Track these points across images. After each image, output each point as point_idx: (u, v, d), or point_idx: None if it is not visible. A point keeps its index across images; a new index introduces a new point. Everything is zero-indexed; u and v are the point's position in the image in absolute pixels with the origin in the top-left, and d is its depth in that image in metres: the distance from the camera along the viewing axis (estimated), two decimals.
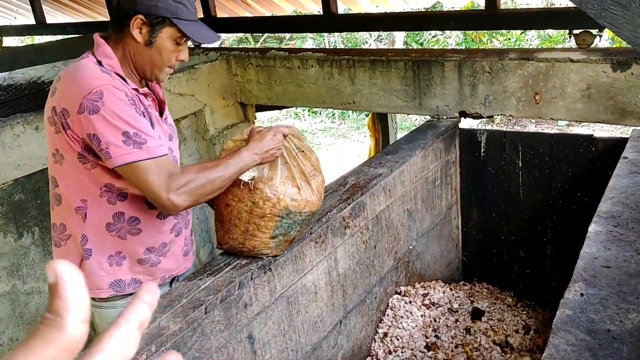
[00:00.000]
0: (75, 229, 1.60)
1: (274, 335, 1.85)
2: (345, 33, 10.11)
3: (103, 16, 6.17)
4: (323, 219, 2.01)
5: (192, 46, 2.31)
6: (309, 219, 1.78)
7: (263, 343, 1.80)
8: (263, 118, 9.46)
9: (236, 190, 1.67)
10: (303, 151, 1.76)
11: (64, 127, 1.47)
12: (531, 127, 8.33)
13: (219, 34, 1.68)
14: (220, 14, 4.51)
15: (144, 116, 1.54)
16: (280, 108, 4.08)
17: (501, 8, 2.98)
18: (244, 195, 1.66)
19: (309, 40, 11.05)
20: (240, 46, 9.00)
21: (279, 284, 1.85)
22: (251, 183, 1.64)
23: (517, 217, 2.97)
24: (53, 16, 6.86)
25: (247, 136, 1.69)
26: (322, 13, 3.57)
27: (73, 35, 5.56)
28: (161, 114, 1.72)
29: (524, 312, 2.76)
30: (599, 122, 2.64)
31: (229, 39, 10.45)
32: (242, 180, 1.63)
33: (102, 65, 1.52)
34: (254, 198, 1.65)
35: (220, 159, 1.63)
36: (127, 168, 1.44)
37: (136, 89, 1.57)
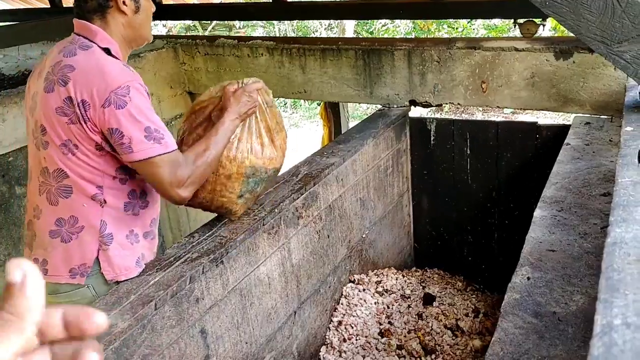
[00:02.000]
0: (92, 217, 1.59)
1: (227, 329, 1.83)
2: (295, 22, 10.04)
3: (42, 3, 5.89)
4: (276, 210, 1.99)
5: None
6: (274, 175, 1.82)
7: (216, 337, 1.78)
8: None
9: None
10: (271, 107, 1.75)
11: (84, 119, 1.48)
12: (478, 116, 8.53)
13: None
14: (167, 0, 4.39)
15: None
16: None
17: None
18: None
19: (259, 29, 10.93)
20: (188, 34, 8.80)
21: (232, 276, 1.82)
22: None
23: (465, 203, 3.03)
24: None
25: (218, 94, 1.73)
26: (272, 1, 3.52)
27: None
28: None
29: (474, 296, 2.84)
30: (543, 110, 2.72)
31: (176, 26, 10.21)
32: None
33: (111, 54, 1.55)
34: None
35: (207, 137, 1.65)
36: (145, 162, 1.49)
37: None
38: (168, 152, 1.51)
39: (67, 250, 1.60)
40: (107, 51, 1.56)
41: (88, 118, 1.48)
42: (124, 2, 1.57)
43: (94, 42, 1.55)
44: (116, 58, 1.57)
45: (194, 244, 1.81)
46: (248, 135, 1.71)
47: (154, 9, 1.69)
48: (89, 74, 1.48)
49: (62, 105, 1.49)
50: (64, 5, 4.82)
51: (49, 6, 4.80)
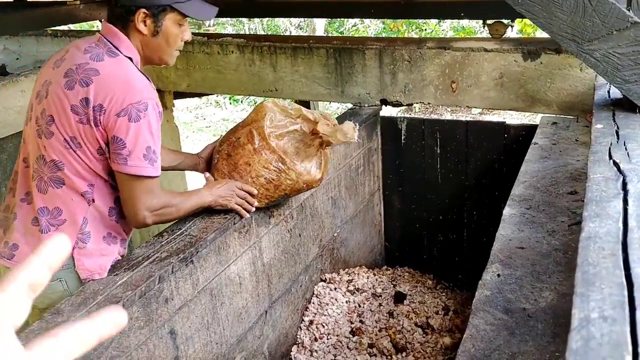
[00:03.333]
0: (76, 212, 1.59)
1: (197, 329, 1.80)
2: (266, 21, 9.99)
3: None
4: None
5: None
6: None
7: (186, 338, 1.74)
8: (182, 106, 9.17)
9: (267, 156, 1.85)
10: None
11: (96, 122, 1.50)
12: (447, 116, 8.63)
13: (216, 7, 1.72)
14: None
15: None
16: (199, 95, 3.96)
17: None
18: (272, 165, 1.86)
19: (228, 28, 10.82)
20: None
21: (202, 276, 1.79)
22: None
23: (435, 202, 3.06)
24: None
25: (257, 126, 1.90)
26: None
27: None
28: None
29: (444, 294, 2.86)
30: (511, 110, 2.77)
31: None
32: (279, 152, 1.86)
33: (132, 62, 1.57)
34: (285, 172, 1.87)
35: (186, 195, 1.83)
36: (132, 177, 1.55)
37: None
38: (154, 177, 1.58)
39: (42, 241, 1.55)
40: (130, 60, 1.58)
41: (100, 122, 1.51)
42: (144, 22, 1.57)
43: (119, 50, 1.57)
44: (137, 68, 1.60)
45: (163, 243, 1.77)
46: (316, 161, 1.94)
47: (186, 37, 1.66)
48: (112, 81, 1.51)
49: (77, 105, 1.51)
50: (27, 0, 4.69)
51: (12, 0, 4.65)
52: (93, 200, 1.60)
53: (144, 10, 1.55)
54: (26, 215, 1.61)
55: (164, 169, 1.81)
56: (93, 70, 1.52)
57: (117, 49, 1.58)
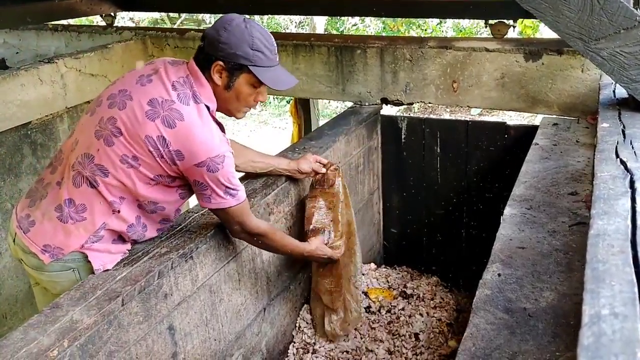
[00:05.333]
0: (99, 215, 1.62)
1: (196, 325, 1.79)
2: (266, 18, 9.98)
3: None
4: None
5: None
6: None
7: (184, 334, 1.74)
8: None
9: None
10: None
11: (173, 161, 1.59)
12: (446, 116, 8.63)
13: (295, 79, 1.76)
14: None
15: None
16: None
17: None
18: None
19: None
20: (157, 27, 8.63)
21: (201, 272, 1.79)
22: None
23: (435, 201, 3.05)
24: None
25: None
26: None
27: None
28: None
29: (442, 294, 2.86)
30: (512, 110, 2.76)
31: (143, 20, 10.02)
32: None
33: (209, 111, 1.63)
34: None
35: (293, 243, 2.04)
36: (218, 210, 1.70)
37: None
38: (239, 204, 1.69)
39: (56, 229, 1.61)
40: (207, 108, 1.63)
41: (177, 164, 1.59)
42: (219, 74, 1.62)
43: (200, 97, 1.62)
44: (213, 118, 1.65)
45: (162, 239, 1.77)
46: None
47: (261, 99, 1.71)
48: (192, 134, 1.57)
49: (154, 138, 1.56)
50: None
51: None
52: (118, 212, 1.63)
53: (221, 62, 1.60)
54: (53, 199, 1.64)
55: (254, 170, 2.14)
56: (178, 113, 1.56)
57: (199, 94, 1.62)
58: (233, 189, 1.66)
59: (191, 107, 1.59)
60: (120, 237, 1.68)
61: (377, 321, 2.58)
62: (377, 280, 2.89)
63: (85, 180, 1.60)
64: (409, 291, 2.81)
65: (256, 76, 1.62)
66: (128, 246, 1.71)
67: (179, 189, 1.70)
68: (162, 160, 1.58)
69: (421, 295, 2.78)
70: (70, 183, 1.61)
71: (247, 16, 1.67)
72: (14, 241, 1.68)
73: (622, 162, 0.80)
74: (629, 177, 0.74)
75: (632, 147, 0.88)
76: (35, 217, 1.64)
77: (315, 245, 2.14)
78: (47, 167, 1.76)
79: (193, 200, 1.81)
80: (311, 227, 2.22)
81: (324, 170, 2.25)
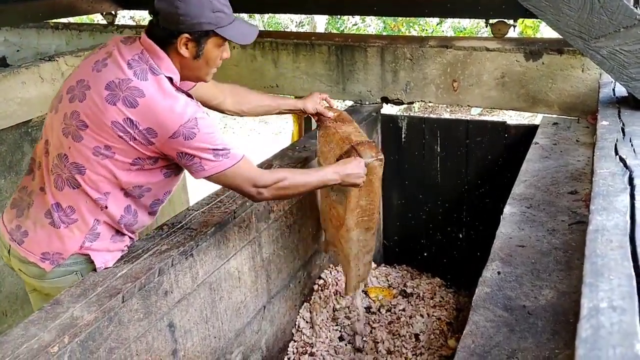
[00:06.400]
0: (89, 214, 1.60)
1: (196, 323, 1.80)
2: (266, 18, 9.98)
3: None
4: (247, 203, 1.97)
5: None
6: None
7: (184, 331, 1.74)
8: None
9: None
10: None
11: (147, 141, 1.53)
12: (446, 116, 8.63)
13: (256, 27, 1.73)
14: None
15: None
16: None
17: None
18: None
19: None
20: None
21: (202, 269, 1.79)
22: None
23: (435, 201, 3.06)
24: None
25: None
26: None
27: None
28: None
29: (442, 293, 2.86)
30: (512, 110, 2.77)
31: (144, 18, 10.01)
32: None
33: (172, 83, 1.58)
34: None
35: (308, 172, 1.90)
36: (218, 175, 1.61)
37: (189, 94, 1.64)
38: (236, 162, 1.61)
39: (51, 235, 1.59)
40: (170, 80, 1.58)
41: (152, 143, 1.54)
42: (185, 46, 1.57)
43: (160, 69, 1.56)
44: (177, 88, 1.59)
45: (163, 236, 1.77)
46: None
47: (225, 56, 1.67)
48: (157, 105, 1.51)
49: (120, 122, 1.51)
50: None
51: None
52: (106, 207, 1.61)
53: (186, 35, 1.54)
54: (41, 206, 1.62)
55: (266, 114, 2.12)
56: (137, 90, 1.51)
57: (157, 66, 1.57)
58: (222, 150, 1.59)
59: (149, 81, 1.53)
60: (118, 232, 1.67)
61: (377, 321, 2.58)
62: (377, 279, 2.90)
63: (66, 181, 1.58)
64: (409, 290, 2.81)
65: (223, 37, 1.59)
66: (127, 241, 1.71)
67: (163, 169, 1.65)
68: (135, 143, 1.53)
69: (421, 295, 2.78)
70: (53, 187, 1.59)
71: None
72: (9, 253, 1.66)
73: (622, 159, 0.81)
74: (628, 174, 0.75)
75: (632, 145, 0.88)
76: (27, 227, 1.62)
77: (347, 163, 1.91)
78: (26, 174, 1.73)
79: (193, 197, 1.81)
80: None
81: (330, 114, 2.17)
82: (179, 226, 1.83)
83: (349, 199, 2.06)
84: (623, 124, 1.03)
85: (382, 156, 2.05)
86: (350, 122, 2.15)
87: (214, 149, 1.57)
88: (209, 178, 1.62)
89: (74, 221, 1.59)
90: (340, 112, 2.20)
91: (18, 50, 4.09)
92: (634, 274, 0.52)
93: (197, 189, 3.53)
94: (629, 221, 0.62)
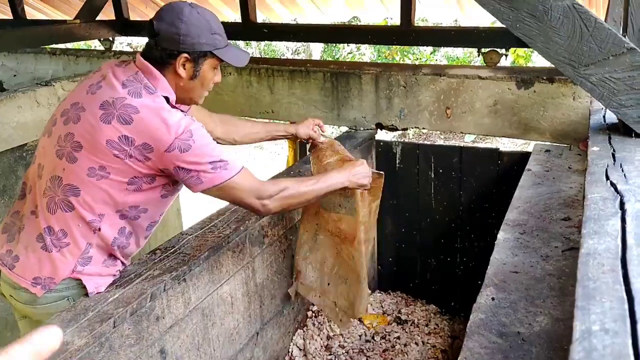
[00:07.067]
0: (81, 238, 1.59)
1: (188, 349, 1.77)
2: (263, 45, 10.10)
3: (4, 14, 5.77)
4: (241, 228, 1.96)
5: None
6: None
7: (176, 357, 1.72)
8: None
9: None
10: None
11: (144, 157, 1.53)
12: (440, 142, 8.70)
13: (247, 52, 1.76)
14: (133, 16, 4.35)
15: None
16: None
17: (416, 25, 3.08)
18: None
19: None
20: None
21: (194, 295, 1.78)
22: None
23: (429, 226, 3.06)
24: None
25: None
26: (242, 21, 3.53)
27: None
28: None
29: (437, 320, 2.84)
30: (505, 137, 2.79)
31: (140, 45, 10.12)
32: None
33: (168, 102, 1.59)
34: None
35: (314, 179, 1.82)
36: (217, 188, 1.59)
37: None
38: (235, 174, 1.59)
39: (42, 259, 1.58)
40: (167, 99, 1.59)
41: (149, 158, 1.53)
42: (183, 66, 1.59)
43: (156, 89, 1.58)
44: (173, 106, 1.61)
45: (155, 260, 1.76)
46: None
47: (217, 79, 1.69)
48: (152, 120, 1.51)
49: (115, 140, 1.51)
50: (27, 18, 4.73)
51: (11, 18, 4.69)
52: (99, 229, 1.59)
53: (185, 55, 1.57)
54: (33, 230, 1.60)
55: (259, 141, 2.10)
56: (132, 107, 1.52)
57: (153, 85, 1.58)
58: (220, 161, 1.57)
59: (144, 98, 1.54)
60: (110, 256, 1.66)
61: (371, 349, 2.56)
62: (371, 305, 2.88)
63: (59, 204, 1.57)
64: (403, 317, 2.79)
65: (220, 58, 1.62)
66: (119, 266, 1.69)
67: (160, 189, 1.64)
68: (131, 160, 1.52)
69: (416, 321, 2.76)
70: (45, 210, 1.58)
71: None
72: None
73: (612, 184, 0.82)
74: (619, 198, 0.75)
75: (622, 170, 0.90)
76: (18, 252, 1.61)
77: (351, 168, 1.90)
78: (17, 198, 1.73)
79: (187, 222, 1.81)
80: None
81: (322, 139, 2.16)
82: (172, 250, 1.82)
83: (357, 208, 2.00)
84: (614, 150, 1.05)
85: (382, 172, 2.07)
86: (342, 153, 2.13)
87: (211, 161, 1.56)
88: (208, 192, 1.60)
89: (66, 245, 1.58)
90: (333, 142, 2.18)
91: (15, 75, 4.12)
92: (625, 297, 0.52)
93: (191, 214, 3.52)
94: (620, 245, 0.62)
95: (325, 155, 2.10)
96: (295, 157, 3.74)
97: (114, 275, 1.67)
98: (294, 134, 2.15)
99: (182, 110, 1.62)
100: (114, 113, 1.51)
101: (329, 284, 2.19)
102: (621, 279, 0.56)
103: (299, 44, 9.93)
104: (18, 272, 1.59)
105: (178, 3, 1.60)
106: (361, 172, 1.89)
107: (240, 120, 2.13)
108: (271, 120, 3.19)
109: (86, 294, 1.58)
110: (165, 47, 1.57)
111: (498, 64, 2.83)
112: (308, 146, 2.24)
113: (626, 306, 0.51)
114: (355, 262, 2.09)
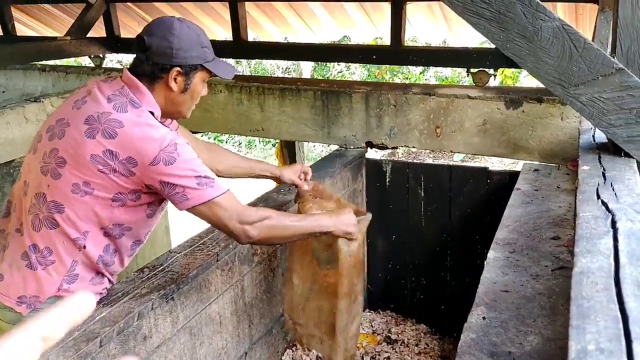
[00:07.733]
0: (66, 255, 1.57)
1: None
2: (253, 64, 10.15)
3: None
4: (230, 246, 1.95)
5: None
6: None
7: None
8: None
9: None
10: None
11: (128, 172, 1.51)
12: (429, 161, 8.74)
13: (234, 66, 1.79)
14: (124, 34, 4.36)
15: None
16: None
17: (405, 45, 3.12)
18: None
19: None
20: None
21: (182, 314, 1.75)
22: None
23: (419, 245, 3.05)
24: None
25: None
26: (233, 39, 3.55)
27: None
28: None
29: (427, 340, 2.83)
30: (494, 156, 2.81)
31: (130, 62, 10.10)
32: None
33: (154, 117, 1.58)
34: None
35: (301, 217, 1.82)
36: (202, 206, 1.56)
37: None
38: (222, 194, 1.57)
39: (27, 278, 1.55)
40: (152, 114, 1.59)
41: (133, 173, 1.51)
42: (175, 79, 1.59)
43: (141, 103, 1.57)
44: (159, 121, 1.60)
45: (143, 279, 1.74)
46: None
47: (204, 92, 1.70)
48: (136, 133, 1.50)
49: (99, 155, 1.49)
50: (17, 34, 4.72)
51: (1, 34, 4.68)
52: (84, 247, 1.57)
53: (177, 68, 1.58)
54: (17, 247, 1.58)
55: (241, 176, 2.08)
56: (117, 121, 1.51)
57: (138, 99, 1.58)
58: (205, 177, 1.55)
59: (129, 113, 1.53)
60: (97, 274, 1.63)
61: None
62: (361, 325, 2.86)
63: (44, 221, 1.55)
64: (393, 336, 2.78)
65: (210, 71, 1.63)
66: (106, 284, 1.67)
67: (145, 208, 1.63)
68: (116, 175, 1.51)
69: (406, 341, 2.74)
70: (30, 228, 1.56)
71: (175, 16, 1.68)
72: None
73: (604, 203, 0.82)
74: (611, 217, 0.76)
75: (613, 189, 0.90)
76: (2, 270, 1.58)
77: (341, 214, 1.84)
78: (2, 216, 1.70)
79: (175, 240, 1.79)
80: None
81: (306, 187, 2.11)
82: (160, 269, 1.80)
83: (341, 261, 1.90)
84: (604, 169, 1.06)
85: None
86: (330, 197, 2.10)
87: (196, 176, 1.54)
88: (193, 210, 1.57)
89: (52, 262, 1.55)
90: (318, 185, 2.14)
91: (4, 91, 4.10)
92: (620, 316, 0.52)
93: (180, 231, 3.49)
94: (613, 263, 0.62)
95: (312, 208, 2.03)
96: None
97: (101, 293, 1.64)
98: (278, 176, 2.11)
99: (166, 127, 1.62)
100: (99, 128, 1.50)
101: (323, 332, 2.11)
102: (615, 298, 0.56)
103: (290, 62, 9.99)
104: (2, 290, 1.56)
105: (167, 18, 1.61)
106: (349, 221, 1.83)
107: (227, 152, 2.12)
108: (261, 139, 3.19)
109: None
110: (157, 61, 1.57)
111: (487, 84, 2.86)
112: (293, 195, 2.20)
113: (621, 325, 0.51)
114: (335, 315, 1.99)
